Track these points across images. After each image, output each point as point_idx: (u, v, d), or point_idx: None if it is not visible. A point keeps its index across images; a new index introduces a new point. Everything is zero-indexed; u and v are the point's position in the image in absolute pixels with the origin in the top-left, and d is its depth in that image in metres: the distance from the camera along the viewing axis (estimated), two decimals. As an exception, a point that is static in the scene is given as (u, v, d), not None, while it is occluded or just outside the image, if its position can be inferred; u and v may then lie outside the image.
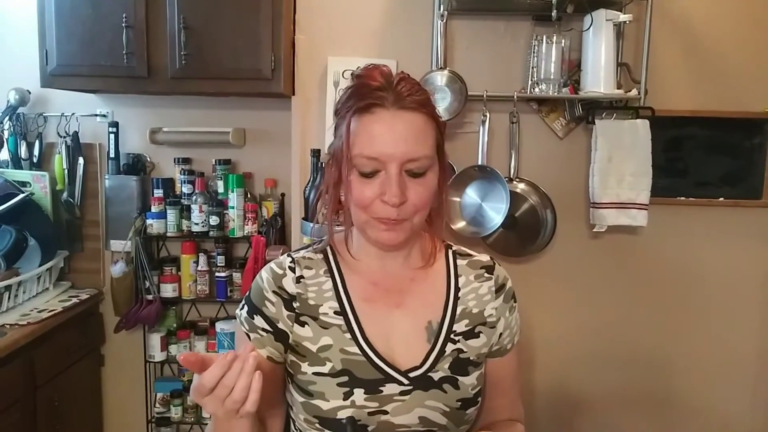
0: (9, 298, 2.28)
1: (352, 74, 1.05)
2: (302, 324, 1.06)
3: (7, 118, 2.53)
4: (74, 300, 2.47)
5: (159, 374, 2.67)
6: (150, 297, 2.49)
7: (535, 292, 2.46)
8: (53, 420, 2.27)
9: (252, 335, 1.06)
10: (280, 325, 1.05)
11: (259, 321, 1.06)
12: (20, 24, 2.51)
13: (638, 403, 2.54)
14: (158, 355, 2.54)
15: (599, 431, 2.57)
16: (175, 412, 2.56)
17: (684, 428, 2.55)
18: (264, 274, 1.09)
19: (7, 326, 2.14)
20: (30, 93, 2.53)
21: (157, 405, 2.58)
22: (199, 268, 2.50)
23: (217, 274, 2.50)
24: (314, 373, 1.03)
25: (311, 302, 1.07)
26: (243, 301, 1.10)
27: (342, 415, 1.01)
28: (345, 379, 1.02)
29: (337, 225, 1.10)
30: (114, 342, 2.66)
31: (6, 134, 2.55)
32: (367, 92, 0.99)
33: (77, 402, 2.49)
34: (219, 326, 2.50)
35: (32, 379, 2.18)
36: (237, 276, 2.49)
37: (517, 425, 1.21)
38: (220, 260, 2.49)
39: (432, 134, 1.02)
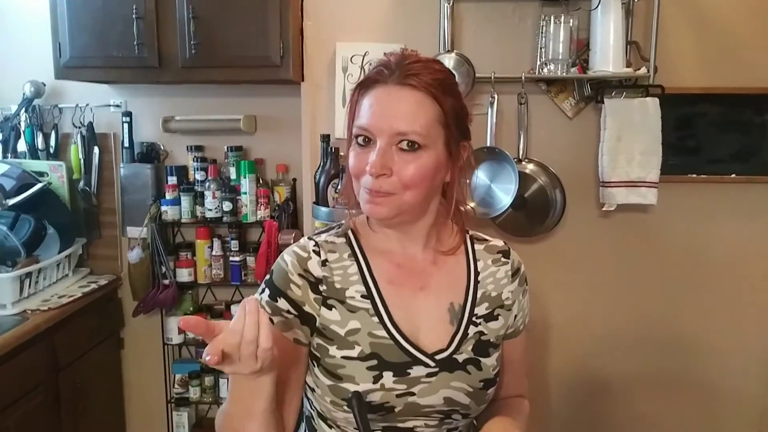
0: (30, 284, 2.33)
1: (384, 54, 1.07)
2: (329, 307, 1.05)
3: (23, 110, 2.58)
4: (93, 286, 2.53)
5: (177, 356, 2.74)
6: (167, 282, 2.54)
7: (546, 272, 2.45)
8: (76, 402, 2.34)
9: (276, 318, 1.04)
10: (307, 308, 1.05)
11: (283, 304, 1.04)
12: (33, 18, 2.55)
13: (652, 383, 2.54)
14: (176, 338, 2.60)
15: (614, 412, 2.57)
16: (194, 393, 2.62)
17: (699, 406, 2.54)
18: (287, 257, 1.08)
19: (29, 311, 2.21)
20: (45, 85, 2.58)
21: (176, 386, 2.64)
22: (214, 253, 2.55)
23: (231, 258, 2.54)
24: (343, 357, 1.03)
25: (337, 286, 1.06)
26: (263, 285, 1.08)
27: (372, 398, 1.02)
28: (374, 362, 1.03)
29: (342, 208, 1.13)
30: (133, 326, 2.72)
31: (23, 126, 2.60)
32: (375, 70, 1.03)
33: (99, 384, 2.56)
34: (234, 309, 2.54)
35: (55, 362, 2.24)
36: (251, 260, 2.54)
37: (524, 402, 1.26)
38: (234, 245, 2.54)
39: (431, 115, 1.00)
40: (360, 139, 1.02)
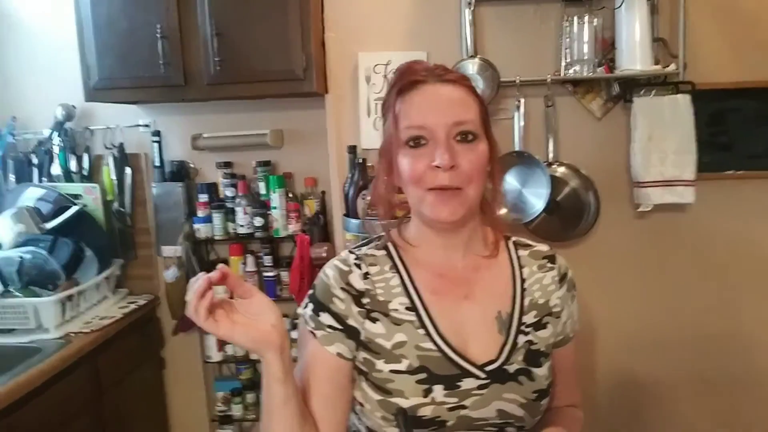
0: (71, 307, 2.37)
1: (394, 71, 1.09)
2: (374, 320, 1.05)
3: (56, 133, 2.62)
4: (132, 306, 2.56)
5: (218, 373, 2.76)
6: (203, 299, 2.56)
7: (583, 276, 2.35)
8: (120, 423, 2.37)
9: (318, 333, 1.05)
10: (350, 322, 1.05)
11: (326, 318, 1.05)
12: (61, 42, 2.58)
13: (693, 383, 2.50)
14: (215, 356, 2.62)
15: (662, 415, 2.54)
16: (236, 410, 2.64)
17: (748, 407, 2.49)
18: (329, 271, 1.09)
19: (72, 334, 2.24)
20: (75, 108, 2.61)
21: (219, 404, 2.66)
22: (248, 268, 2.57)
23: (265, 274, 2.56)
24: (391, 371, 1.03)
25: (380, 298, 1.07)
26: (306, 299, 1.09)
27: (423, 412, 1.01)
28: (423, 376, 1.02)
29: (373, 219, 1.14)
30: (172, 345, 2.75)
31: (56, 149, 2.63)
32: (409, 73, 1.05)
33: (142, 404, 2.60)
34: (270, 324, 2.56)
35: (98, 384, 2.27)
36: (284, 275, 2.54)
37: (577, 411, 1.24)
38: (267, 260, 2.55)
39: (475, 107, 1.05)
40: (412, 142, 1.02)
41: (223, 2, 2.26)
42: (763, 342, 2.45)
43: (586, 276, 2.39)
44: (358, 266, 1.08)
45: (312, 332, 1.06)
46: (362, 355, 1.06)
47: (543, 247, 1.19)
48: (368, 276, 1.08)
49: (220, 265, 0.94)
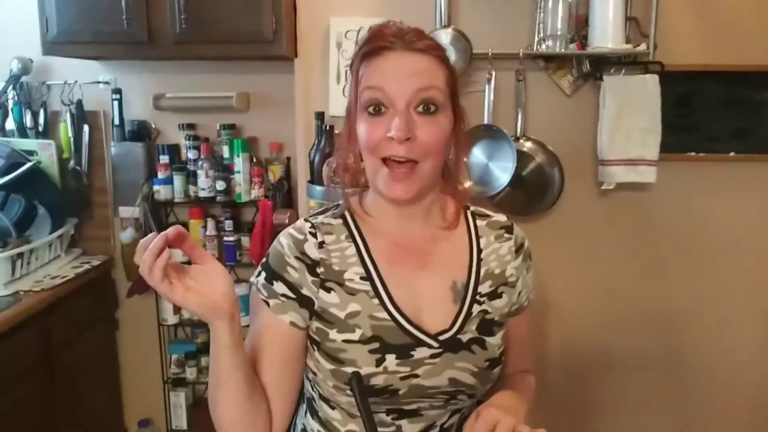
0: (22, 265, 2.30)
1: (369, 28, 1.04)
2: (328, 290, 1.04)
3: (10, 87, 2.52)
4: (86, 266, 2.50)
5: (173, 337, 2.72)
6: (160, 262, 2.51)
7: (544, 251, 2.38)
8: (71, 384, 2.33)
9: (271, 301, 1.03)
10: (305, 291, 1.03)
11: (279, 287, 1.03)
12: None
13: (650, 361, 2.55)
14: (171, 319, 2.57)
15: (612, 391, 2.59)
16: (190, 373, 2.61)
17: (696, 383, 2.56)
18: (283, 239, 1.06)
19: (21, 292, 2.18)
20: (32, 61, 2.52)
21: (173, 366, 2.63)
22: (208, 233, 2.52)
23: (225, 238, 2.52)
24: (344, 341, 1.02)
25: (335, 268, 1.04)
26: (259, 268, 1.06)
27: (375, 381, 1.00)
28: (376, 345, 1.01)
29: (337, 186, 1.11)
30: (127, 307, 2.70)
31: (11, 104, 2.54)
32: (377, 38, 1.00)
33: (94, 366, 2.55)
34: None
35: (49, 344, 2.22)
36: (245, 240, 2.51)
37: (529, 377, 1.24)
38: (228, 225, 2.51)
39: (443, 76, 1.01)
40: (372, 108, 0.99)
41: (193, -43, 2.18)
42: (716, 321, 2.52)
43: (547, 251, 2.43)
44: (314, 235, 1.05)
45: (265, 301, 1.03)
46: (315, 324, 1.04)
47: (501, 218, 1.18)
48: (323, 245, 1.05)
49: (176, 226, 0.91)
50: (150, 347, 2.66)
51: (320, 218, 1.09)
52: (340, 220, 1.09)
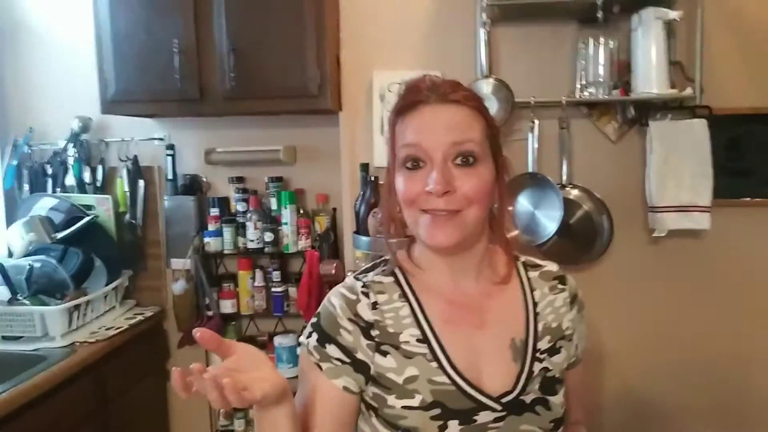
0: (78, 317, 2.36)
1: (403, 82, 1.05)
2: (384, 354, 1.00)
3: (71, 145, 2.64)
4: (139, 317, 2.56)
5: (222, 388, 2.72)
6: (210, 313, 2.56)
7: (595, 300, 2.33)
8: (124, 433, 2.36)
9: (324, 365, 0.99)
10: (359, 355, 1.00)
11: (333, 350, 0.99)
12: (79, 54, 2.62)
13: (712, 411, 2.44)
14: (220, 369, 2.59)
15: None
16: (239, 425, 2.61)
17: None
18: (335, 299, 1.03)
19: (77, 344, 2.24)
20: (92, 120, 2.64)
21: (221, 418, 2.64)
22: (256, 284, 2.56)
23: (273, 289, 2.54)
24: (404, 407, 0.98)
25: (390, 330, 1.01)
26: (309, 328, 1.03)
27: None
28: (437, 411, 0.97)
29: (383, 237, 1.09)
30: (178, 357, 2.73)
31: (71, 160, 2.65)
32: (412, 92, 1.00)
33: (145, 416, 2.58)
34: (277, 340, 2.54)
35: (103, 394, 2.26)
36: (293, 291, 2.53)
37: (582, 429, 1.21)
38: (276, 275, 2.54)
39: (479, 127, 0.99)
40: (409, 164, 0.98)
41: (240, 18, 2.28)
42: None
43: (598, 300, 2.38)
44: (366, 295, 1.03)
45: (317, 364, 1.00)
46: (372, 389, 1.01)
47: (553, 267, 1.15)
48: (377, 306, 1.02)
49: (200, 333, 0.84)
50: (199, 399, 2.66)
51: (370, 276, 1.07)
52: (391, 278, 1.06)
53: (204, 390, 0.80)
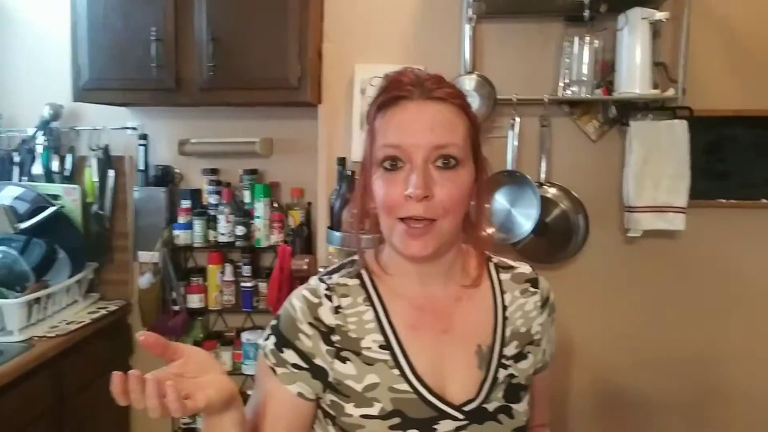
0: (38, 310, 2.28)
1: (384, 75, 0.99)
2: (343, 360, 0.96)
3: (41, 132, 2.56)
4: (102, 311, 2.47)
5: (186, 386, 2.64)
6: (177, 308, 2.48)
7: (569, 299, 2.34)
8: (81, 431, 2.27)
9: (279, 370, 0.96)
10: (318, 361, 0.96)
11: (290, 355, 0.96)
12: (53, 40, 2.56)
13: (684, 407, 2.45)
14: (185, 367, 2.51)
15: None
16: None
17: (726, 430, 2.44)
18: (296, 302, 0.98)
19: (35, 338, 2.15)
20: (63, 107, 2.57)
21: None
22: (225, 278, 2.49)
23: (243, 284, 2.48)
24: (362, 416, 0.94)
25: (352, 335, 0.97)
26: (268, 330, 0.99)
27: None
28: (397, 420, 0.93)
29: (363, 234, 1.03)
30: (142, 353, 2.60)
31: (40, 148, 2.57)
32: (394, 86, 0.94)
33: (106, 413, 2.46)
34: (245, 336, 2.47)
35: (61, 390, 2.18)
36: (263, 286, 2.47)
37: (546, 430, 1.19)
38: (246, 270, 2.47)
39: (463, 128, 0.94)
40: (387, 163, 0.92)
41: (221, 7, 2.24)
42: (748, 369, 2.41)
43: (572, 299, 2.38)
44: (329, 298, 0.98)
45: (272, 368, 0.96)
46: (330, 397, 0.97)
47: (525, 269, 1.11)
48: (340, 309, 0.98)
49: (141, 337, 0.81)
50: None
51: (335, 278, 1.02)
52: (357, 281, 1.02)
53: (139, 400, 0.76)
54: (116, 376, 0.77)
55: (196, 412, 0.81)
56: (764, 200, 2.31)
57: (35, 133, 2.57)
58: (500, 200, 2.26)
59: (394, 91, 0.93)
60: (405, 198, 0.91)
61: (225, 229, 2.44)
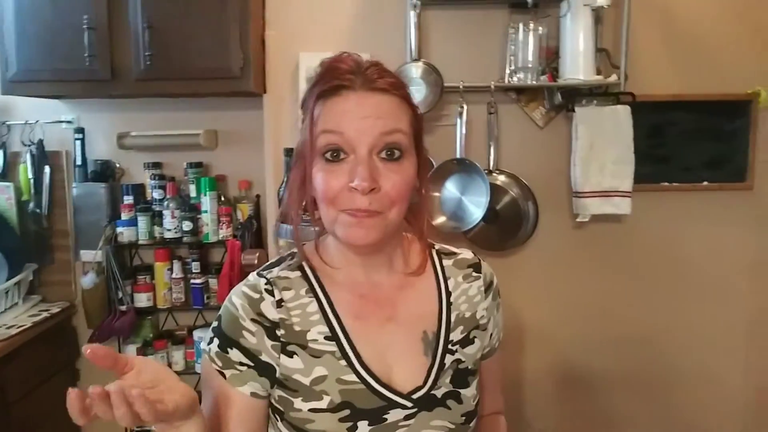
0: (-25, 315, 2.19)
1: (321, 62, 0.95)
2: (290, 354, 0.94)
3: (-32, 128, 2.44)
4: (45, 314, 2.38)
5: (137, 387, 2.58)
6: (124, 307, 2.40)
7: (520, 285, 2.42)
8: (28, 438, 2.19)
9: (228, 372, 0.93)
10: (264, 357, 0.93)
11: (235, 355, 0.93)
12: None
13: (631, 381, 2.53)
14: (135, 368, 2.45)
15: (595, 411, 2.55)
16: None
17: (677, 399, 2.53)
18: (236, 299, 0.95)
19: (-27, 344, 2.06)
20: (-9, 101, 2.44)
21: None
22: (174, 275, 2.42)
23: (192, 281, 2.42)
24: (311, 410, 0.93)
25: (297, 328, 0.95)
26: (211, 333, 0.96)
27: None
28: (347, 413, 0.92)
29: (306, 225, 1.00)
30: (89, 356, 2.57)
31: (-32, 145, 2.45)
32: (334, 75, 0.91)
33: (53, 419, 2.39)
34: (197, 334, 2.42)
35: (3, 397, 2.09)
36: (213, 282, 2.41)
37: (500, 419, 1.19)
38: (195, 266, 2.41)
39: (407, 118, 0.93)
40: (329, 154, 0.89)
41: (157, -7, 2.14)
42: (691, 342, 2.50)
43: (523, 284, 2.43)
44: (270, 292, 0.95)
45: (220, 372, 0.93)
46: (278, 392, 0.95)
47: (467, 255, 1.10)
48: (282, 303, 0.95)
49: (88, 351, 0.76)
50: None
51: (275, 271, 0.99)
52: (298, 273, 0.99)
53: (106, 412, 0.72)
54: (72, 393, 0.71)
55: (165, 417, 0.78)
56: (705, 183, 2.38)
57: (-38, 128, 2.45)
58: (450, 188, 2.26)
59: (334, 80, 0.90)
60: (349, 189, 0.88)
61: (171, 224, 2.37)
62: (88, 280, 2.38)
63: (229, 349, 0.93)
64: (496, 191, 2.28)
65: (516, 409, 2.52)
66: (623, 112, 2.22)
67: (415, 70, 2.24)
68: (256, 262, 2.27)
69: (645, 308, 2.48)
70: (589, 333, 2.50)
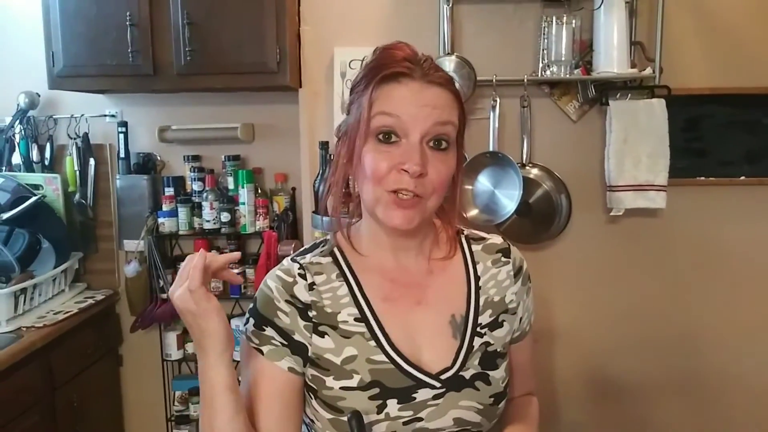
0: (25, 301, 2.28)
1: (374, 51, 1.00)
2: (321, 335, 0.98)
3: (18, 121, 2.53)
4: (90, 301, 2.48)
5: (177, 372, 2.67)
6: (164, 296, 2.49)
7: (553, 279, 2.42)
8: (73, 421, 2.29)
9: (265, 348, 0.97)
10: (297, 337, 0.98)
11: (271, 332, 0.98)
12: (27, 27, 2.51)
13: (666, 385, 2.49)
14: (175, 354, 2.54)
15: (625, 414, 2.52)
16: (194, 410, 2.55)
17: (714, 405, 2.49)
18: (271, 282, 1.01)
19: (24, 329, 2.16)
20: (39, 96, 2.54)
21: (176, 403, 2.58)
22: (213, 265, 2.48)
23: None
24: (342, 388, 0.97)
25: (328, 310, 0.99)
26: (247, 315, 1.02)
27: (378, 429, 0.95)
28: (376, 391, 0.96)
29: (344, 216, 1.05)
30: (131, 341, 2.66)
31: (17, 138, 2.55)
32: (394, 61, 0.95)
33: (97, 402, 2.51)
34: (234, 323, 2.47)
35: (51, 380, 2.19)
36: (250, 272, 2.48)
37: (533, 400, 1.21)
38: (233, 257, 2.47)
39: (456, 114, 0.98)
40: (382, 135, 0.94)
41: (197, -9, 2.20)
42: (729, 343, 2.46)
43: (556, 278, 2.42)
44: (303, 276, 1.00)
45: (258, 349, 0.98)
46: (311, 371, 0.99)
47: (496, 240, 1.13)
48: (314, 286, 1.00)
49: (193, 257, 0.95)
50: (153, 383, 2.61)
51: (308, 257, 1.04)
52: (330, 258, 1.04)
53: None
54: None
55: (204, 298, 0.92)
56: (743, 177, 2.34)
57: (12, 122, 2.54)
58: (483, 181, 2.27)
59: (396, 67, 0.94)
60: (398, 171, 0.93)
61: (210, 216, 2.44)
62: (131, 269, 2.47)
63: (264, 327, 0.98)
64: (529, 184, 2.28)
65: (546, 409, 2.51)
66: (658, 105, 2.20)
67: (448, 64, 2.25)
68: (292, 252, 2.31)
69: (679, 307, 2.44)
70: (623, 332, 2.47)
